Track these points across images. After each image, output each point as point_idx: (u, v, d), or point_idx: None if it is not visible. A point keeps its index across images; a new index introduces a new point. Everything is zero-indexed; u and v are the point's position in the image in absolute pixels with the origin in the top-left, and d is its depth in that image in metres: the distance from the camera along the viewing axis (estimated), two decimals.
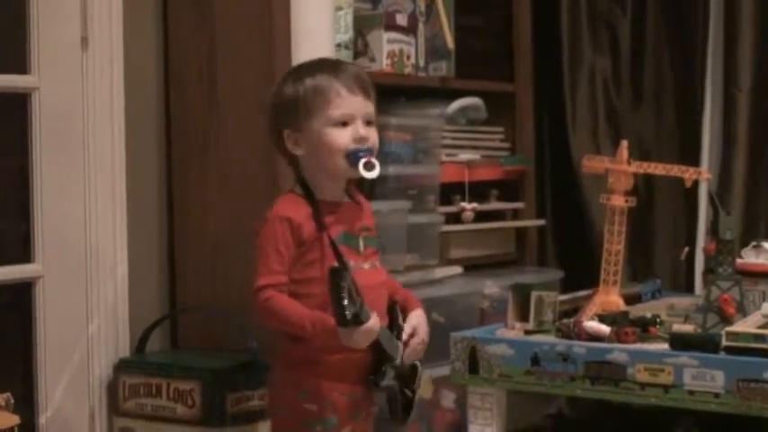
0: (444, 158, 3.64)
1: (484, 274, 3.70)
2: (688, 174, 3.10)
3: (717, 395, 2.65)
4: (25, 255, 3.20)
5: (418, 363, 2.63)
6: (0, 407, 2.69)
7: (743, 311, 2.89)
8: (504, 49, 4.02)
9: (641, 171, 3.14)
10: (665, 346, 2.77)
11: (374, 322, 2.40)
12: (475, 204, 3.73)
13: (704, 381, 2.67)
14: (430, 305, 3.17)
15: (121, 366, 3.21)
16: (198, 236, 3.34)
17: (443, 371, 3.12)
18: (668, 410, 2.79)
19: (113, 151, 3.26)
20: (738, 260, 3.04)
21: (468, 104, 3.80)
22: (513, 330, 2.99)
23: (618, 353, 2.77)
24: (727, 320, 2.84)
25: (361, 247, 2.57)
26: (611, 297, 3.11)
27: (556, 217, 4.17)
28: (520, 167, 3.98)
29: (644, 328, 2.90)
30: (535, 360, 2.87)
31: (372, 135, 2.56)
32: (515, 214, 3.98)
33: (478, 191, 3.80)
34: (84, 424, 3.22)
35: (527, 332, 2.97)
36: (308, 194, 2.55)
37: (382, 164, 3.20)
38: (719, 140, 3.93)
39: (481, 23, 3.97)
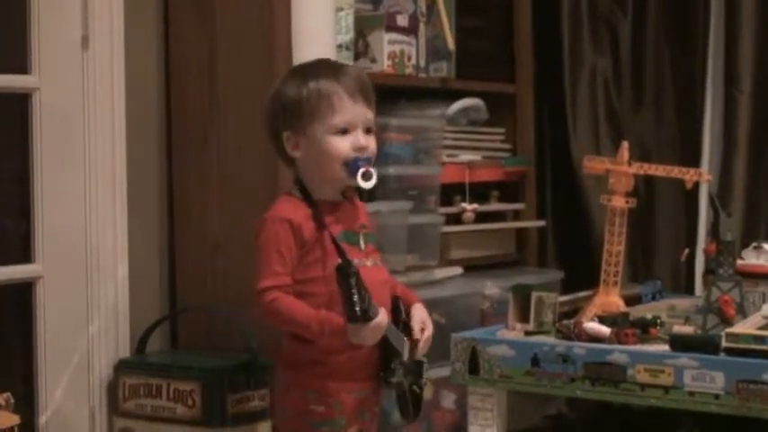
0: (445, 159, 3.64)
1: (484, 274, 3.69)
2: (689, 175, 3.10)
3: (717, 396, 2.65)
4: (25, 255, 3.19)
5: (424, 358, 2.63)
6: (0, 406, 2.68)
7: (743, 313, 2.89)
8: (504, 50, 4.02)
9: (642, 172, 3.14)
10: (666, 347, 2.77)
11: (382, 318, 2.40)
12: (475, 205, 3.73)
13: (704, 382, 2.66)
14: (430, 306, 3.16)
15: (122, 367, 3.20)
16: (198, 236, 3.34)
17: (444, 371, 3.11)
18: (668, 412, 2.79)
19: (114, 151, 3.26)
20: (739, 261, 3.04)
21: (468, 105, 3.80)
22: (514, 331, 2.99)
23: (618, 354, 2.77)
24: (727, 322, 2.84)
25: (362, 245, 2.57)
26: (611, 298, 3.11)
27: (556, 218, 4.17)
28: (520, 168, 3.98)
29: (644, 329, 2.90)
30: (535, 361, 2.87)
31: (371, 143, 2.56)
32: (516, 215, 3.98)
33: (479, 192, 3.80)
34: (84, 424, 3.22)
35: (527, 333, 2.97)
36: (306, 195, 2.55)
37: (383, 164, 3.24)
38: (720, 142, 3.93)
39: (482, 24, 3.97)
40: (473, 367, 2.95)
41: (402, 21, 3.55)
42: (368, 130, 2.56)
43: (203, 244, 3.32)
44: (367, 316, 2.35)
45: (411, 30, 3.58)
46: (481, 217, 3.77)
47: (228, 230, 3.26)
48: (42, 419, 3.18)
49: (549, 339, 2.92)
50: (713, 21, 3.94)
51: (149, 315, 3.33)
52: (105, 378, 3.23)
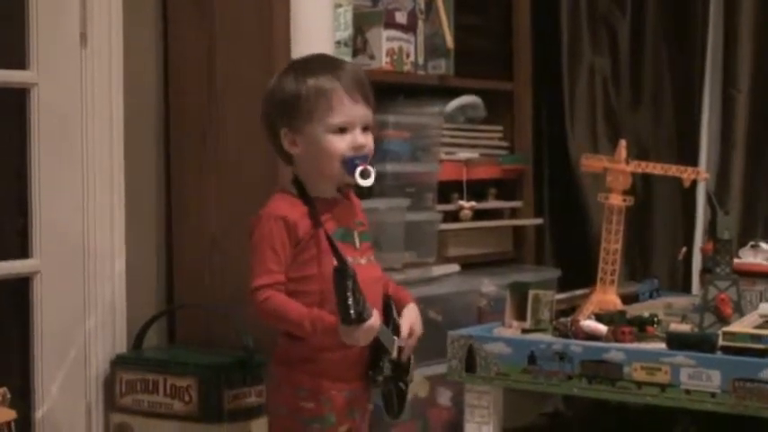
0: (443, 157, 3.64)
1: (481, 272, 3.70)
2: (686, 174, 3.10)
3: (713, 395, 2.65)
4: (23, 250, 3.19)
5: (411, 355, 2.63)
6: None
7: (740, 311, 2.89)
8: (503, 47, 4.02)
9: (639, 170, 3.14)
10: (662, 345, 2.77)
11: (375, 319, 2.40)
12: (473, 203, 3.73)
13: (701, 380, 2.67)
14: (427, 303, 3.18)
15: (118, 362, 3.21)
16: (195, 232, 3.34)
17: (440, 369, 3.12)
18: (665, 410, 2.80)
19: (112, 147, 3.26)
20: (736, 260, 3.05)
21: (466, 103, 3.80)
22: (511, 329, 2.99)
23: (615, 352, 2.77)
24: (724, 320, 2.85)
25: (357, 243, 2.57)
26: (608, 296, 3.11)
27: (554, 216, 4.17)
28: (518, 166, 3.98)
29: (641, 327, 2.90)
30: (532, 359, 2.87)
31: (369, 141, 2.56)
32: (513, 213, 3.98)
33: (477, 189, 3.80)
34: (80, 419, 3.22)
35: (524, 331, 2.97)
36: (302, 192, 2.55)
37: (381, 161, 3.25)
38: (718, 141, 3.93)
39: (481, 22, 3.97)
40: (470, 365, 2.95)
41: (401, 18, 3.55)
42: (365, 129, 2.56)
43: (201, 240, 3.32)
44: (361, 318, 2.35)
45: (410, 27, 3.58)
46: (479, 214, 3.77)
47: (226, 227, 3.26)
48: (39, 414, 3.18)
49: (546, 337, 2.92)
50: (711, 20, 3.94)
51: (146, 311, 3.33)
52: (102, 373, 3.23)
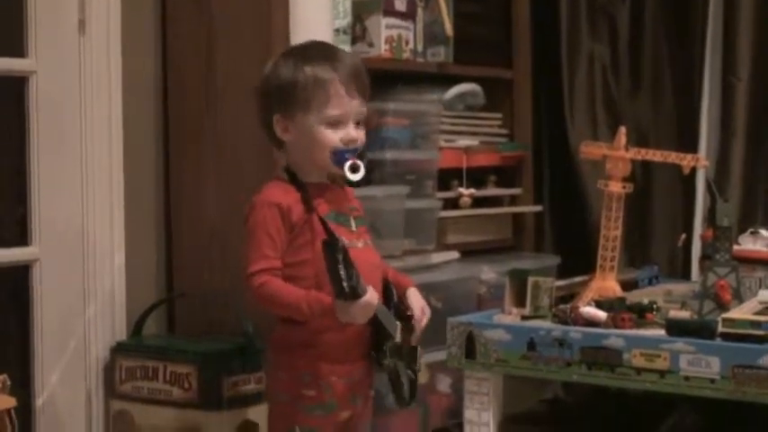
0: (442, 144, 3.64)
1: (481, 259, 3.70)
2: (686, 161, 3.10)
3: (712, 381, 2.65)
4: (22, 238, 3.20)
5: (418, 344, 2.64)
6: None
7: (739, 298, 2.89)
8: (502, 35, 4.02)
9: (639, 158, 3.14)
10: (662, 332, 2.77)
11: (371, 296, 2.40)
12: (472, 190, 3.73)
13: (700, 367, 2.67)
14: (427, 290, 3.17)
15: (118, 349, 3.21)
16: (194, 221, 3.34)
17: (440, 355, 3.11)
18: (664, 396, 2.80)
19: (110, 135, 3.26)
20: (735, 247, 3.04)
21: (466, 90, 3.80)
22: (510, 316, 2.99)
23: (614, 338, 2.77)
24: (723, 307, 2.84)
25: (353, 226, 2.58)
26: (607, 283, 3.11)
27: (553, 203, 4.17)
28: (517, 153, 3.97)
29: (640, 314, 2.90)
30: (531, 345, 2.87)
31: (361, 135, 2.58)
32: (513, 200, 3.98)
33: (476, 177, 3.80)
34: (80, 407, 3.23)
35: (524, 317, 2.97)
36: (294, 179, 2.55)
37: (380, 149, 3.25)
38: (717, 128, 3.93)
39: (480, 10, 3.97)
40: (469, 351, 2.95)
41: (400, 5, 3.54)
42: (358, 123, 2.57)
43: (200, 229, 3.32)
44: (356, 293, 2.35)
45: (409, 14, 3.58)
46: (478, 202, 3.77)
47: (225, 216, 3.26)
48: (39, 402, 3.18)
49: (546, 324, 2.92)
50: (711, 8, 3.94)
51: (146, 299, 3.33)
52: (102, 360, 3.24)
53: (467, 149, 3.74)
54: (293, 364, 2.52)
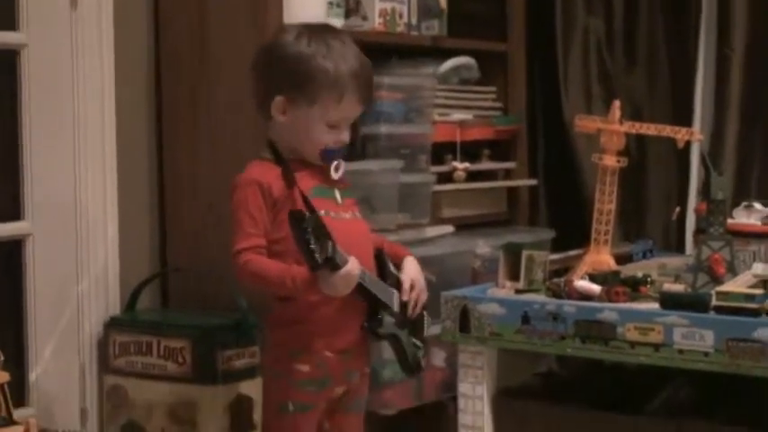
0: (436, 118, 3.62)
1: (475, 233, 3.70)
2: (680, 134, 3.09)
3: (706, 354, 2.66)
4: (14, 213, 3.19)
5: (425, 312, 2.64)
6: None
7: (733, 271, 2.89)
8: (496, 8, 4.00)
9: (633, 131, 3.13)
10: (656, 305, 2.77)
11: (352, 266, 2.40)
12: (467, 164, 3.72)
13: (694, 340, 2.67)
14: (421, 264, 3.16)
15: (112, 324, 3.21)
16: (189, 195, 3.34)
17: (434, 329, 3.11)
18: (658, 369, 2.80)
19: (103, 109, 3.24)
20: (729, 220, 3.04)
21: (460, 64, 3.79)
22: (504, 289, 2.99)
23: (608, 312, 2.78)
24: (717, 280, 2.85)
25: (339, 199, 2.57)
26: (601, 256, 3.11)
27: (547, 177, 4.17)
28: (512, 127, 3.97)
29: (634, 287, 2.90)
30: (526, 319, 2.87)
31: (349, 134, 2.59)
32: (507, 174, 3.97)
33: (470, 150, 3.79)
34: (74, 382, 3.22)
35: (518, 291, 2.97)
36: (277, 154, 2.55)
37: (375, 122, 3.25)
38: (712, 101, 3.92)
39: None
40: (463, 325, 2.95)
41: None
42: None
43: (194, 203, 3.32)
44: (333, 264, 2.34)
45: None
46: (472, 176, 3.77)
47: (219, 189, 3.23)
48: (32, 377, 3.18)
49: (540, 297, 2.92)
50: None
51: (140, 273, 3.33)
52: (95, 335, 3.23)
53: (461, 123, 3.73)
54: (287, 340, 2.53)
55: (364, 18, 3.48)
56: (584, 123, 3.16)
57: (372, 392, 2.87)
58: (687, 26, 3.98)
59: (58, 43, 3.19)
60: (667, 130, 3.11)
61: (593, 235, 3.12)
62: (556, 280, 2.97)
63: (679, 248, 3.85)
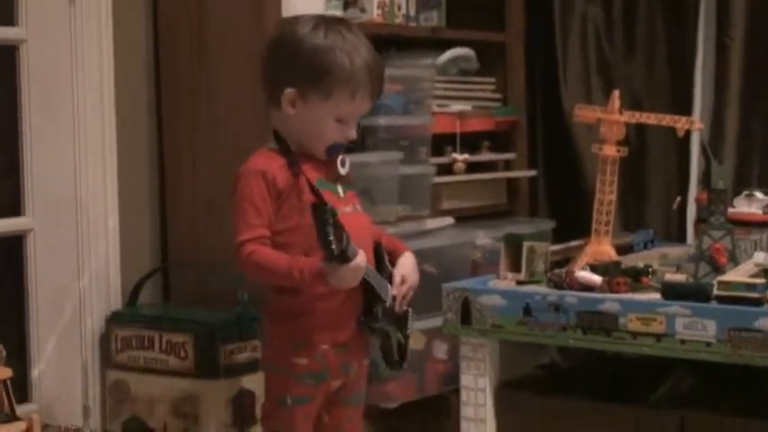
0: (436, 109, 3.62)
1: (475, 224, 3.69)
2: (680, 123, 3.09)
3: (708, 344, 2.66)
4: (15, 208, 3.19)
5: (409, 309, 2.63)
6: None
7: (734, 261, 2.89)
8: None
9: (633, 121, 3.13)
10: (657, 295, 2.77)
11: (361, 259, 2.40)
12: (466, 155, 3.72)
13: (696, 330, 2.67)
14: (422, 256, 3.16)
15: (114, 319, 3.21)
16: (189, 189, 3.33)
17: (436, 322, 3.12)
18: (660, 360, 2.80)
19: (102, 103, 3.24)
20: (730, 209, 3.04)
21: (459, 55, 3.78)
22: (506, 281, 2.99)
23: (610, 303, 2.78)
24: (718, 270, 2.85)
25: (341, 192, 2.57)
26: (602, 247, 3.11)
27: (547, 167, 4.16)
28: (511, 118, 3.96)
29: (636, 277, 2.90)
30: (527, 310, 2.87)
31: (356, 130, 2.58)
32: (507, 165, 3.97)
33: (470, 142, 3.79)
34: (76, 377, 3.23)
35: (519, 282, 2.97)
36: (282, 145, 2.53)
37: (374, 114, 3.24)
38: (711, 90, 3.91)
39: None
40: (465, 317, 2.95)
41: None
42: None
43: (195, 197, 3.32)
44: (345, 256, 2.34)
45: None
46: (472, 167, 3.77)
47: (219, 184, 3.24)
48: (35, 372, 3.19)
49: (541, 289, 2.92)
50: None
51: (141, 268, 3.33)
52: (97, 330, 3.24)
53: (460, 114, 3.73)
54: (286, 334, 2.52)
55: (362, 10, 3.48)
56: (584, 113, 3.15)
57: (374, 386, 2.88)
58: (686, 14, 3.97)
59: (57, 38, 3.18)
60: (667, 120, 3.11)
61: (594, 225, 3.12)
62: (557, 271, 2.97)
63: (680, 238, 3.85)
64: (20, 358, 3.14)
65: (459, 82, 3.79)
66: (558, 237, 3.61)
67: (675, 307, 2.70)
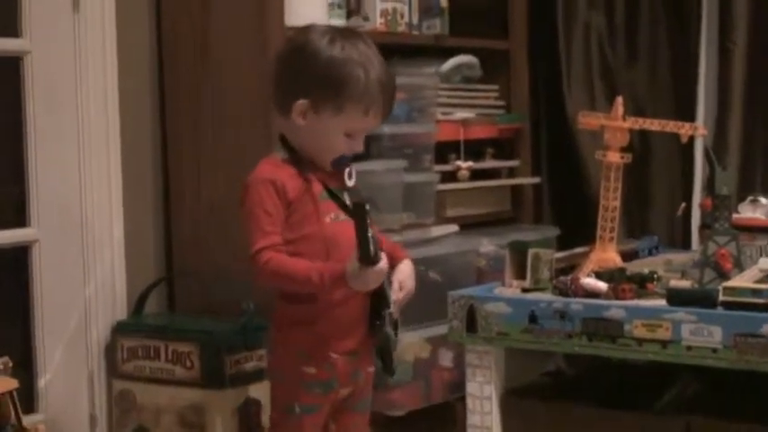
0: (439, 117, 3.63)
1: (480, 232, 3.69)
2: (684, 129, 3.09)
3: (714, 350, 2.66)
4: (20, 219, 3.19)
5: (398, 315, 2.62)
6: None
7: (740, 266, 2.89)
8: (498, 5, 4.00)
9: (637, 127, 3.13)
10: (663, 302, 2.77)
11: (385, 263, 2.39)
12: (470, 163, 3.72)
13: (702, 336, 2.67)
14: (426, 264, 3.18)
15: (119, 329, 3.21)
16: (193, 198, 3.34)
17: (441, 330, 3.12)
18: (666, 366, 2.80)
19: (107, 113, 3.25)
20: (735, 215, 3.05)
21: (462, 62, 3.79)
22: (511, 288, 2.99)
23: (615, 309, 2.78)
24: (724, 275, 2.85)
25: (347, 201, 2.56)
26: (607, 254, 3.11)
27: (551, 174, 4.16)
28: (515, 125, 3.97)
29: (641, 284, 2.90)
30: (533, 318, 2.87)
31: (363, 144, 2.57)
32: (511, 172, 3.97)
33: (474, 149, 3.79)
34: (82, 387, 3.23)
35: (524, 290, 2.97)
36: (292, 154, 2.52)
37: None
38: (715, 95, 3.91)
39: None
40: (470, 325, 2.95)
41: None
42: None
43: (199, 206, 3.32)
44: (377, 258, 2.34)
45: None
46: (476, 174, 3.77)
47: (224, 192, 3.25)
48: (41, 383, 3.19)
49: (546, 296, 2.92)
50: None
51: (146, 278, 3.33)
52: (103, 340, 3.24)
53: (464, 122, 3.73)
54: (294, 342, 2.51)
55: (365, 18, 3.48)
56: (588, 120, 3.16)
57: (380, 394, 2.87)
58: (689, 20, 3.97)
59: (60, 48, 3.19)
60: (671, 126, 3.11)
61: (599, 232, 3.12)
62: (562, 278, 2.97)
63: (685, 244, 3.85)
64: (26, 369, 3.14)
65: (462, 89, 3.80)
66: (563, 244, 3.61)
67: (681, 313, 2.70)
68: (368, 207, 2.31)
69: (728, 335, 2.63)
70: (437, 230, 3.55)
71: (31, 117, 3.17)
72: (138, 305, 3.27)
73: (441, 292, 3.04)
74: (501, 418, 2.99)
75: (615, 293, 2.84)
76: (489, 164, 3.87)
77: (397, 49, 3.50)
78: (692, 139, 3.17)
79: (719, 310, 2.68)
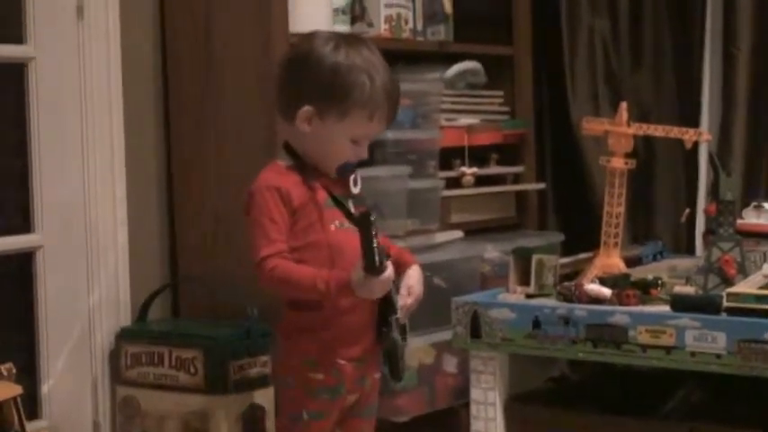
0: (444, 123, 3.63)
1: (484, 238, 3.69)
2: (688, 135, 3.09)
3: (718, 356, 2.65)
4: (25, 225, 3.19)
5: (406, 321, 2.62)
6: (2, 377, 2.68)
7: (744, 272, 2.89)
8: (502, 12, 4.00)
9: (641, 133, 3.13)
10: (667, 307, 2.77)
11: (391, 271, 2.39)
12: (475, 169, 3.72)
13: (706, 342, 2.67)
14: (431, 270, 3.18)
15: (123, 335, 3.21)
16: (198, 205, 3.34)
17: (445, 335, 3.12)
18: (670, 372, 2.80)
19: (111, 120, 3.25)
20: (739, 221, 3.04)
21: (466, 68, 3.79)
22: (515, 294, 2.99)
23: (619, 315, 2.77)
24: (728, 281, 2.84)
25: (352, 209, 2.56)
26: (611, 259, 3.11)
27: (556, 180, 4.16)
28: (519, 131, 3.96)
29: (645, 290, 2.90)
30: (537, 324, 2.87)
31: (367, 150, 2.57)
32: (515, 178, 3.97)
33: (478, 155, 3.79)
34: (86, 393, 3.23)
35: (528, 296, 2.97)
36: (297, 161, 2.52)
37: None
38: (719, 101, 3.91)
39: None
40: (474, 331, 2.95)
41: None
42: None
43: (203, 213, 3.32)
44: (382, 267, 2.34)
45: None
46: (481, 180, 3.77)
47: (228, 199, 3.25)
48: (45, 389, 3.19)
49: (551, 302, 2.92)
50: None
51: (150, 284, 3.33)
52: (107, 347, 3.24)
53: (468, 128, 3.73)
54: (301, 349, 2.50)
55: (370, 25, 3.48)
56: (592, 126, 3.16)
57: (385, 399, 2.87)
58: (693, 25, 3.98)
59: (65, 55, 3.19)
60: (675, 131, 3.11)
61: (603, 238, 3.12)
62: (566, 284, 2.97)
63: (689, 250, 3.85)
64: (30, 375, 3.14)
65: (466, 95, 3.80)
66: (567, 249, 3.61)
67: (685, 319, 2.70)
68: (373, 217, 2.31)
69: (732, 341, 2.63)
70: (441, 236, 3.55)
71: (35, 123, 3.17)
72: (141, 311, 3.27)
73: (445, 297, 3.04)
74: (505, 424, 2.99)
75: (619, 299, 2.84)
76: (494, 170, 3.86)
77: (401, 56, 3.50)
78: (696, 144, 3.17)
79: (723, 316, 2.68)
